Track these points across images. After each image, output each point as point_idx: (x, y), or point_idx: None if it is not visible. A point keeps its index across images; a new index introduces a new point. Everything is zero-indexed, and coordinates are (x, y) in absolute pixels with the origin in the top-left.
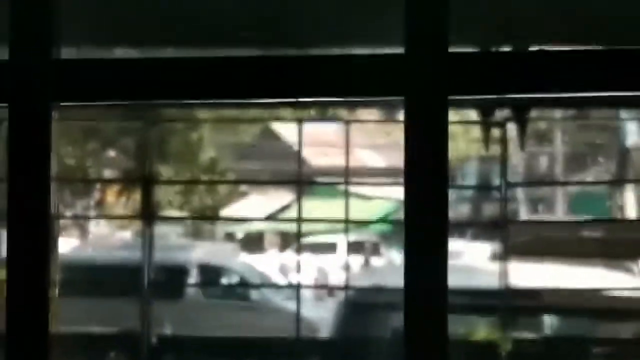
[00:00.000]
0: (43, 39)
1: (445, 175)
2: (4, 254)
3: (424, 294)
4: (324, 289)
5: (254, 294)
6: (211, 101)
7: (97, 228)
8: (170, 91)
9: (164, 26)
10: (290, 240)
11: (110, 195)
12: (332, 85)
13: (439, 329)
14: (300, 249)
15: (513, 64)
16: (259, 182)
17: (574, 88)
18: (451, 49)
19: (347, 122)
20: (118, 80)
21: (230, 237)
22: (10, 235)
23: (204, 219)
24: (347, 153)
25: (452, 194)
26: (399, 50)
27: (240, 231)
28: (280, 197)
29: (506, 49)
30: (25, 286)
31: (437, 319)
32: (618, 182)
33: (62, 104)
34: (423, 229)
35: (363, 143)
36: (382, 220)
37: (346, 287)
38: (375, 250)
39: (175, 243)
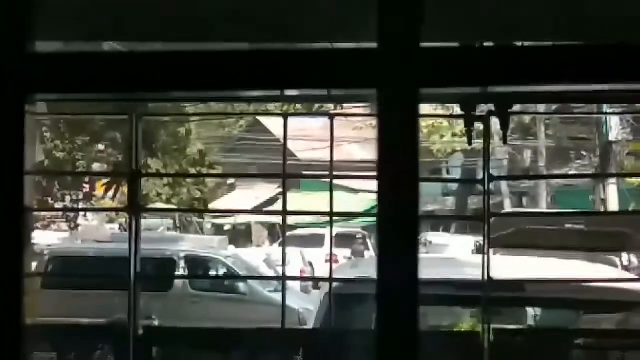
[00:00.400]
0: (19, 31)
1: (416, 164)
2: None
3: (395, 287)
4: (310, 280)
5: (241, 286)
6: (196, 94)
7: (86, 220)
8: (153, 84)
9: (151, 21)
10: (277, 233)
11: (99, 188)
12: (311, 78)
13: (410, 321)
14: (286, 241)
15: (482, 58)
16: (246, 175)
17: (544, 81)
18: (427, 44)
19: (333, 116)
20: (98, 73)
21: (217, 229)
22: None
23: (192, 211)
24: (332, 146)
25: (437, 188)
26: (374, 44)
27: (227, 223)
28: (268, 190)
29: (488, 44)
30: (2, 279)
31: (408, 311)
32: (601, 175)
33: (37, 95)
34: (395, 219)
35: (351, 137)
36: (369, 212)
37: (332, 279)
38: (361, 242)
39: (163, 235)
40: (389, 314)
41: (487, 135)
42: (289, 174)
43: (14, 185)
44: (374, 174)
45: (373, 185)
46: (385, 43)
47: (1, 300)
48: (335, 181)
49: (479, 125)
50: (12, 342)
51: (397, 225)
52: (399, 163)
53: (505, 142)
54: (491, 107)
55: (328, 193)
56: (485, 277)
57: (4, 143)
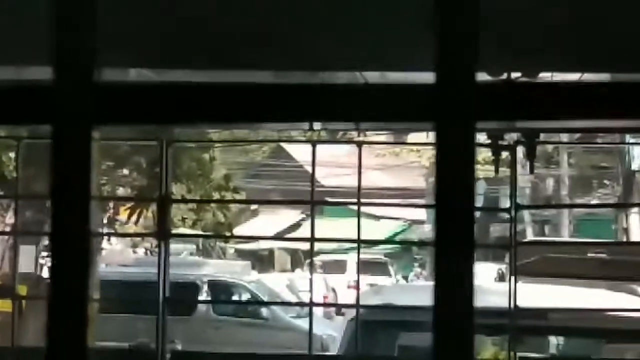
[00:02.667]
0: (86, 61)
1: (472, 196)
2: (24, 268)
3: (452, 317)
4: (334, 307)
5: (263, 311)
6: (238, 125)
7: (110, 245)
8: (200, 116)
9: (180, 48)
10: (300, 259)
11: (123, 213)
12: (366, 112)
13: (466, 351)
14: (311, 268)
15: (535, 93)
16: (273, 201)
17: (594, 116)
18: (483, 79)
19: (360, 144)
20: (159, 104)
21: (240, 254)
22: (54, 253)
23: (219, 237)
24: (360, 174)
25: None
26: (429, 75)
27: (250, 249)
28: (290, 216)
29: (516, 75)
30: (68, 303)
31: (464, 341)
32: (623, 205)
33: (102, 125)
34: (451, 252)
35: (372, 164)
36: (391, 240)
37: (355, 306)
38: (384, 269)
39: (186, 259)
40: (445, 342)
41: (513, 164)
42: (316, 200)
43: (83, 211)
44: (399, 201)
45: (395, 212)
46: (442, 77)
47: (69, 325)
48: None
49: (504, 154)
50: None
51: (454, 253)
52: (456, 195)
53: (532, 171)
54: (517, 136)
55: (351, 219)
56: (511, 305)
57: (73, 170)
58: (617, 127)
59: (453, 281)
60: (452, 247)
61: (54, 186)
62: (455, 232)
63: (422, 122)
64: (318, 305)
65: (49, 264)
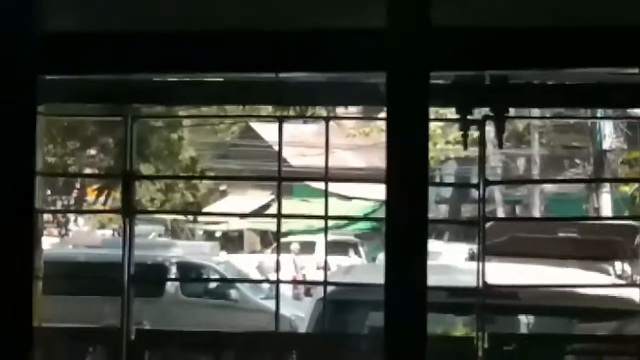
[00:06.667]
0: (28, 11)
1: (425, 149)
2: None
3: (404, 292)
4: (304, 284)
5: (232, 292)
6: (194, 75)
7: (77, 226)
8: (158, 64)
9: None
10: (270, 240)
11: (90, 194)
12: (313, 60)
13: (418, 326)
14: (278, 246)
15: (496, 41)
16: (241, 178)
17: (552, 64)
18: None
19: (327, 120)
20: (106, 54)
21: (209, 235)
22: None
23: (187, 213)
24: (327, 150)
25: (430, 195)
26: (380, 23)
27: (219, 230)
28: (260, 197)
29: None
30: (9, 281)
31: (416, 316)
32: (595, 180)
33: (48, 77)
34: (403, 215)
35: (342, 144)
36: (359, 217)
37: (323, 283)
38: (353, 249)
39: (155, 241)
40: (397, 318)
41: (482, 138)
42: (284, 177)
43: (25, 185)
44: (369, 179)
45: (366, 192)
46: (395, 23)
47: (12, 300)
48: (328, 188)
49: (474, 131)
50: (22, 341)
51: (406, 227)
52: (409, 145)
53: (501, 146)
54: (486, 111)
55: (321, 200)
56: (480, 284)
57: (15, 140)
58: (588, 102)
59: (406, 257)
60: (404, 213)
61: None
62: (408, 181)
63: (373, 70)
64: (285, 282)
65: None
